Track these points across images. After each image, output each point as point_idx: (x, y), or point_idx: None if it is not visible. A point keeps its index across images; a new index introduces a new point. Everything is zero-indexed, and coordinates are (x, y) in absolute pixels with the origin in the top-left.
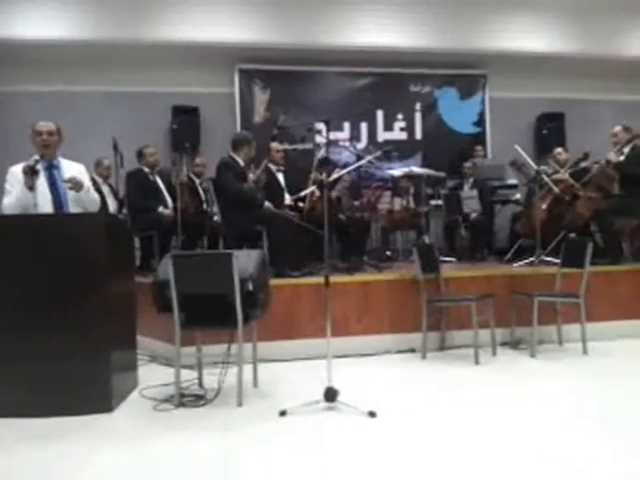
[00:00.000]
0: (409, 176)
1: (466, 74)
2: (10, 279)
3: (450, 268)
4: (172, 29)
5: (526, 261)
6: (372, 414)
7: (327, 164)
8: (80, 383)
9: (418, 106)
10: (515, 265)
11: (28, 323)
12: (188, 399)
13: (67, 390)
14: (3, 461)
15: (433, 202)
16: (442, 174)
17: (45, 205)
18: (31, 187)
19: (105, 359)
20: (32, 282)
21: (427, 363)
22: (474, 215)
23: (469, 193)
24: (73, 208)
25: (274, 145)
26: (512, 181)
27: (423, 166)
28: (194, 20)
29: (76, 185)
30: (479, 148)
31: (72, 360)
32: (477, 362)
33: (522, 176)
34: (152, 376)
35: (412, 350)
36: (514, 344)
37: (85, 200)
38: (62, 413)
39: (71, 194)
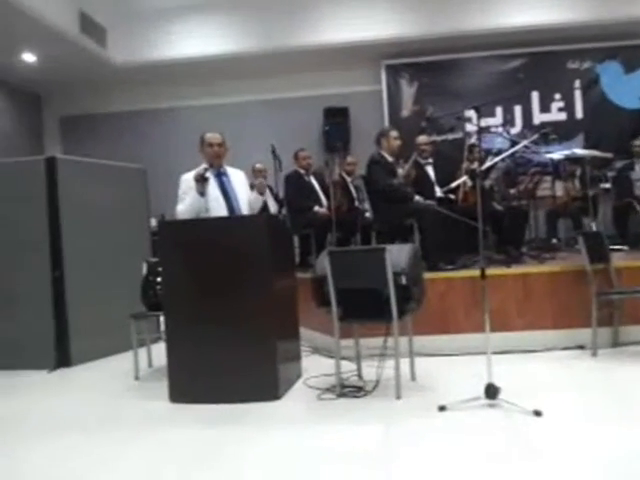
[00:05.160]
0: (571, 159)
1: (630, 45)
2: (187, 277)
3: (622, 257)
4: (318, 33)
5: None
6: (538, 413)
7: (478, 152)
8: (250, 372)
9: (577, 84)
10: None
11: (203, 318)
12: (348, 389)
13: (238, 378)
14: (176, 439)
15: (600, 185)
16: (609, 155)
17: (219, 210)
18: (202, 193)
19: (272, 350)
20: (206, 279)
21: (598, 361)
22: None
23: None
24: (245, 211)
25: (422, 138)
26: None
27: (586, 147)
28: (338, 22)
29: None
30: None
31: (243, 351)
32: None
33: None
34: (315, 366)
35: (580, 347)
36: None
37: (253, 203)
38: (233, 400)
39: (243, 199)
